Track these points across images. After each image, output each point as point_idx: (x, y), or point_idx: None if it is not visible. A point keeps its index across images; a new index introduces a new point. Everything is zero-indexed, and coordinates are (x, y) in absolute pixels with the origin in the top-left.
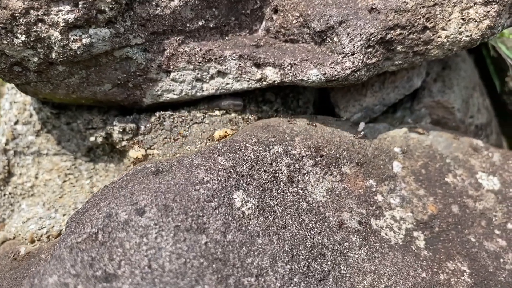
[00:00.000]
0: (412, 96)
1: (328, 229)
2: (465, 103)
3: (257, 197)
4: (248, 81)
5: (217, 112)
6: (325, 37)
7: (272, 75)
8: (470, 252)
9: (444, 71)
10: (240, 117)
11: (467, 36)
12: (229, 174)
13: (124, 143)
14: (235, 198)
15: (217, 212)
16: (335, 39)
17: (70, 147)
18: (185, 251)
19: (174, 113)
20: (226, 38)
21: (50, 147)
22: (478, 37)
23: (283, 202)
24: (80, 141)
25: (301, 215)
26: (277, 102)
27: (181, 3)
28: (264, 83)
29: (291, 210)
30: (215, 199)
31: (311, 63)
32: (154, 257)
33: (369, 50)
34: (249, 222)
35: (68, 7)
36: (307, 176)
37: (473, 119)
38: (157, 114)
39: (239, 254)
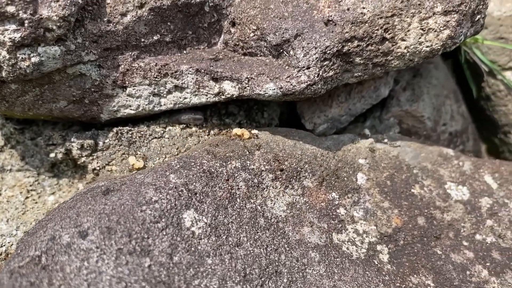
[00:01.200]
0: (382, 105)
1: (286, 245)
2: (437, 111)
3: (210, 215)
4: (206, 95)
5: (177, 127)
6: (281, 50)
7: (230, 89)
8: (435, 265)
9: (415, 79)
10: (201, 130)
11: (427, 47)
12: (180, 192)
13: (83, 159)
14: (185, 218)
15: (164, 233)
16: (291, 52)
17: (34, 162)
18: (127, 275)
19: (132, 128)
20: (184, 52)
21: (13, 163)
22: (439, 47)
23: (239, 219)
24: (44, 156)
25: (258, 232)
26: (240, 114)
27: (134, 19)
28: (223, 97)
29: (247, 227)
30: (163, 220)
31: (267, 77)
32: (94, 281)
33: (325, 63)
34: (199, 242)
35: (13, 26)
36: (266, 191)
37: (447, 127)
38: (114, 129)
39: (185, 276)
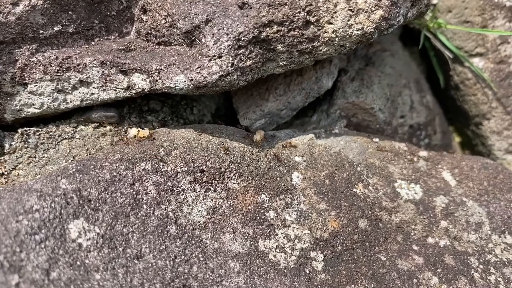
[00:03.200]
0: (330, 97)
1: (200, 255)
2: (391, 102)
3: (104, 224)
4: (115, 90)
5: (89, 126)
6: (193, 38)
7: (140, 82)
8: (377, 273)
9: (366, 69)
10: (116, 129)
11: (358, 30)
12: (68, 200)
13: None
14: (71, 228)
15: (43, 246)
16: (202, 40)
17: None
18: None
19: (40, 129)
20: (93, 43)
21: None
22: (372, 30)
23: (142, 228)
24: None
25: (165, 242)
26: (164, 111)
27: (27, 8)
28: (133, 91)
29: (152, 237)
30: (43, 231)
31: (178, 68)
32: None
33: (240, 51)
34: (87, 255)
35: None
36: (182, 195)
37: (405, 119)
38: (19, 130)
39: None
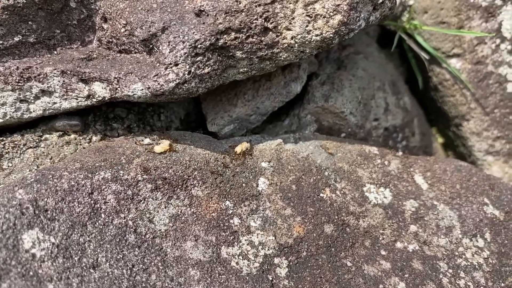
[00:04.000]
0: (301, 102)
1: (160, 264)
2: (364, 105)
3: (60, 234)
4: (76, 99)
5: (54, 134)
6: (151, 46)
7: (100, 90)
8: (342, 279)
9: (337, 72)
10: (81, 138)
11: (317, 35)
12: (24, 210)
13: None
14: (25, 239)
15: None
16: (160, 48)
17: None
18: None
19: (5, 138)
20: (55, 52)
21: None
22: (331, 35)
23: (100, 237)
24: None
25: (123, 250)
26: (129, 118)
27: None
28: (94, 100)
29: (109, 246)
30: None
31: (136, 76)
32: None
33: (198, 58)
34: (40, 265)
35: None
36: (143, 203)
37: (379, 122)
38: None
39: None
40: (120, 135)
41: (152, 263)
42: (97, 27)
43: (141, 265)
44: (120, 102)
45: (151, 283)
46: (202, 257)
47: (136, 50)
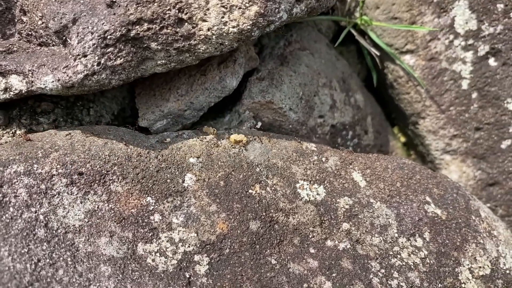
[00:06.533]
0: (241, 97)
1: (69, 259)
2: (305, 101)
3: None
4: None
5: None
6: (64, 38)
7: (17, 84)
8: (264, 277)
9: (279, 68)
10: (4, 132)
11: (234, 27)
12: None
13: None
14: None
15: None
16: (70, 39)
17: None
18: None
19: None
20: None
21: None
22: (249, 27)
23: (5, 231)
24: None
25: (30, 245)
26: (55, 112)
27: None
28: (11, 93)
29: (14, 240)
30: None
31: (48, 68)
32: None
33: (108, 50)
34: None
35: None
36: (57, 198)
37: (325, 119)
38: None
39: None
40: (45, 129)
41: (61, 258)
42: (16, 20)
43: (48, 260)
44: (48, 96)
45: (57, 278)
46: (115, 253)
47: (53, 43)
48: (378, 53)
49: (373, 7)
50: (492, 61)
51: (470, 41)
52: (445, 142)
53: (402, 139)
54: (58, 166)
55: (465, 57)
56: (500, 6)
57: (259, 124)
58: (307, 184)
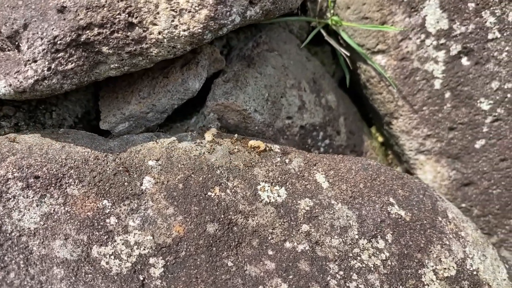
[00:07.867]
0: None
1: (22, 262)
2: (272, 103)
3: None
4: None
5: None
6: (16, 43)
7: None
8: (219, 280)
9: (245, 70)
10: None
11: (184, 30)
12: None
13: None
14: None
15: None
16: (22, 44)
17: None
18: None
19: None
20: None
21: None
22: (200, 30)
23: None
24: None
25: None
26: (17, 116)
27: None
28: None
29: None
30: None
31: (1, 73)
32: None
33: (59, 55)
34: None
35: None
36: (13, 201)
37: (293, 120)
38: None
39: None
40: (6, 133)
41: (13, 261)
42: None
43: (3, 264)
44: (9, 100)
45: (7, 281)
46: (69, 256)
47: (9, 48)
48: (348, 54)
49: (344, 7)
50: (464, 61)
51: (442, 41)
52: (419, 142)
53: (380, 139)
54: (14, 170)
55: (437, 56)
56: (471, 5)
57: (220, 125)
58: (268, 186)
